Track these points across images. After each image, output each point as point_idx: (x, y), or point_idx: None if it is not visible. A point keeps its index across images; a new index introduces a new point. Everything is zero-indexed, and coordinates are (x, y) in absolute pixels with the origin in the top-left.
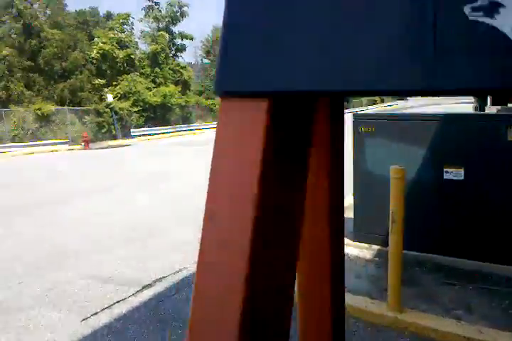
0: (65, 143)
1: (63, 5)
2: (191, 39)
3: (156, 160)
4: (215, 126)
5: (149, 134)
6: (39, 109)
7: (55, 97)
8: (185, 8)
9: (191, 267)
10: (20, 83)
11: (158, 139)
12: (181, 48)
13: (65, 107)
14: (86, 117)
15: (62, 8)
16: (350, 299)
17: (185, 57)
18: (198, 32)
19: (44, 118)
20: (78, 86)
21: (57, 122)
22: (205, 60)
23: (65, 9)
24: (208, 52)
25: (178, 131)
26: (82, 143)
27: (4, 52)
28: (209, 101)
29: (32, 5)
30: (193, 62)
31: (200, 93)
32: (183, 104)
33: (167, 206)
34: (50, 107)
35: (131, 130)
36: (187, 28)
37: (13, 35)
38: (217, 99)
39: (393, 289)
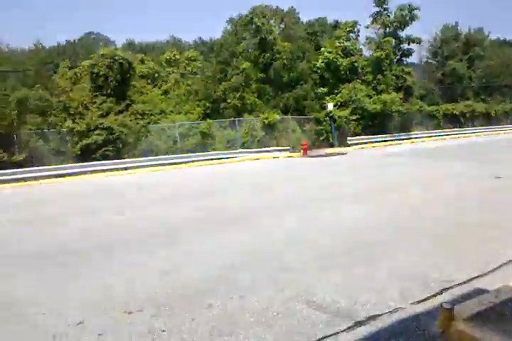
0: (286, 150)
1: (296, 18)
2: (419, 43)
3: (372, 171)
4: (436, 134)
5: (366, 142)
6: (266, 118)
7: (281, 106)
8: (415, 11)
9: None
10: (254, 94)
11: (373, 148)
12: (407, 53)
13: (289, 116)
14: (306, 125)
15: (296, 21)
16: None
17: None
18: (423, 30)
19: (269, 126)
20: (302, 95)
21: (281, 130)
22: (431, 61)
23: (298, 22)
24: (434, 53)
25: (395, 140)
26: (301, 150)
27: (244, 66)
28: (432, 108)
29: (268, 21)
30: (416, 62)
31: (421, 97)
32: (404, 111)
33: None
34: (276, 116)
35: (348, 138)
36: (413, 28)
37: (249, 50)
38: (441, 106)
39: None
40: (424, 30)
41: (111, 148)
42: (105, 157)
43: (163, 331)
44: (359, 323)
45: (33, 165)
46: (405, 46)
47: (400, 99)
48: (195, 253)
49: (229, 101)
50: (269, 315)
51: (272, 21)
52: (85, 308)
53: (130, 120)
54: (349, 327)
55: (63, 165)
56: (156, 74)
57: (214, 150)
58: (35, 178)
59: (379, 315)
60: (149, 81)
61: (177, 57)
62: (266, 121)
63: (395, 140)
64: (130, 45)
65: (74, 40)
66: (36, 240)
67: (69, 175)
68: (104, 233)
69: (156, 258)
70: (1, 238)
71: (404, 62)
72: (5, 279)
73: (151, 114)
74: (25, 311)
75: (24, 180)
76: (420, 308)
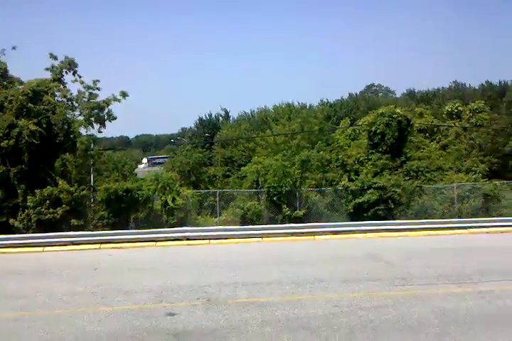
0: None
1: None
2: None
3: None
4: None
5: None
6: None
7: None
8: None
9: None
10: None
11: None
12: None
13: None
14: None
15: None
16: None
17: None
18: None
19: None
20: None
21: None
22: None
23: None
24: None
25: None
26: None
27: None
28: None
29: None
30: None
31: None
32: None
33: None
34: None
35: None
36: None
37: None
38: None
39: None
40: None
41: (382, 208)
42: (376, 216)
43: None
44: None
45: (309, 221)
46: None
47: None
48: None
49: None
50: None
51: None
52: None
53: (404, 179)
54: None
55: (339, 223)
56: (435, 128)
57: (501, 216)
58: (312, 234)
59: None
60: (427, 135)
61: (460, 109)
62: None
63: None
64: (410, 94)
65: (355, 93)
66: None
67: (342, 232)
68: None
69: None
70: None
71: None
72: None
73: (427, 171)
74: None
75: (302, 234)
76: None
